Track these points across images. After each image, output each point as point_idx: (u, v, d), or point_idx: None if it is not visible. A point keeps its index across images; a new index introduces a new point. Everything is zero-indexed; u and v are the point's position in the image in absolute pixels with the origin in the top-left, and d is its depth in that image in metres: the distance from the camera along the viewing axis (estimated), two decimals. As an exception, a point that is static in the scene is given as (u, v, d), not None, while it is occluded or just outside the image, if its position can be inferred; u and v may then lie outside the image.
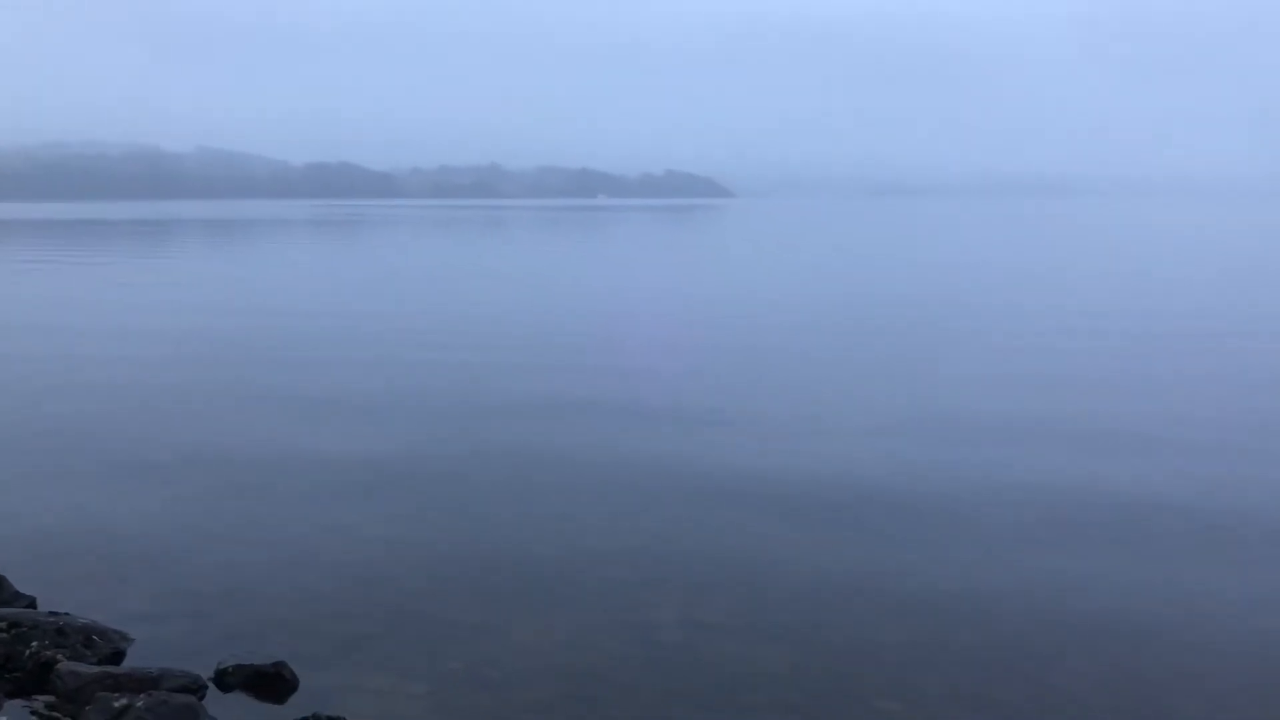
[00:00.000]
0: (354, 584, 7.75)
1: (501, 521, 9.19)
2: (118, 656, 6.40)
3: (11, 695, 5.85)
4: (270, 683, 6.13)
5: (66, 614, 6.67)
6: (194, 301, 27.86)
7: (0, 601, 6.92)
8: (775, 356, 18.18)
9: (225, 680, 6.15)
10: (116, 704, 5.48)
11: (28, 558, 8.03)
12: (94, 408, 13.91)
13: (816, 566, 8.09)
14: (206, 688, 6.05)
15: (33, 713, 5.70)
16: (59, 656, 6.12)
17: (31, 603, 6.99)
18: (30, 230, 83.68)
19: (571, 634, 6.93)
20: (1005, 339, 20.33)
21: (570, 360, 17.85)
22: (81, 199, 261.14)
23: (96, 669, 6.01)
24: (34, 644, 6.19)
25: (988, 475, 10.55)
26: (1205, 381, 15.59)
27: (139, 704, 5.45)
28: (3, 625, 6.35)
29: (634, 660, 6.56)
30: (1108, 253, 51.14)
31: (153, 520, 9.16)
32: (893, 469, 10.76)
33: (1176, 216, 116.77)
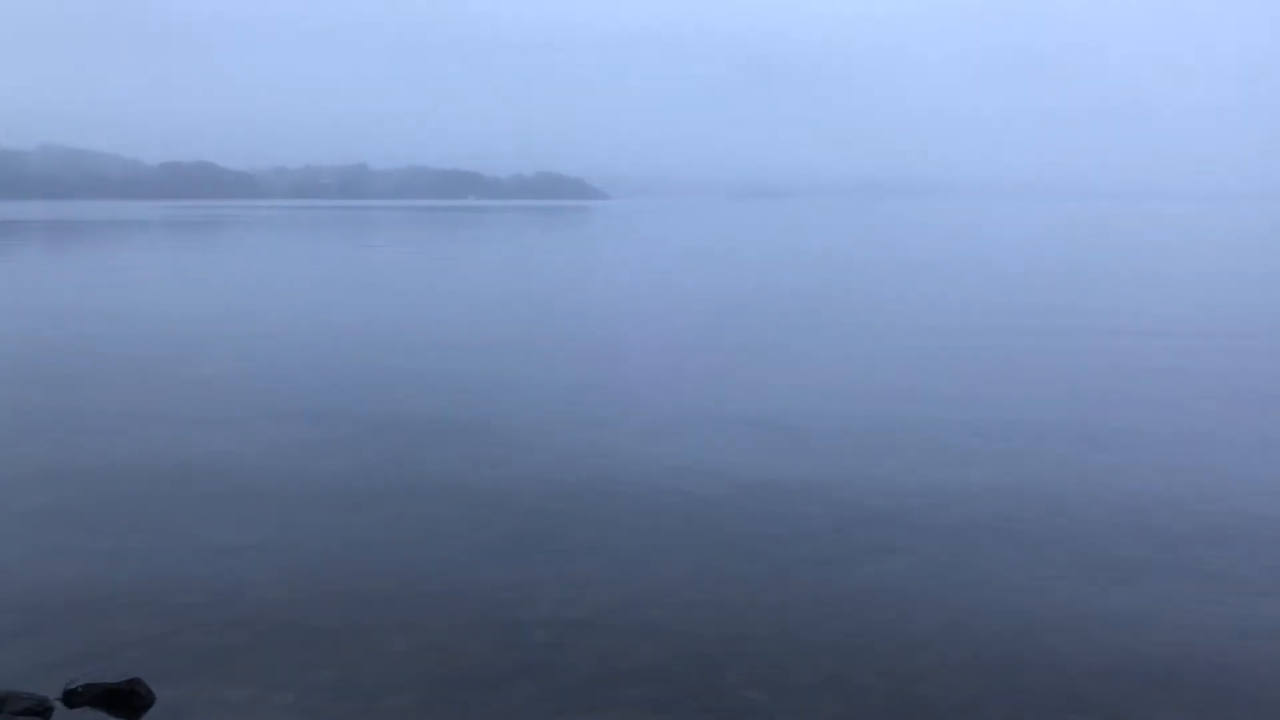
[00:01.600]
0: (215, 595, 7.50)
1: (369, 527, 9.03)
2: (-45, 681, 6.05)
3: None
4: (124, 700, 5.89)
5: (-103, 638, 6.27)
6: None
7: None
8: (613, 360, 18.34)
9: (74, 700, 5.87)
10: (-46, 730, 5.18)
11: None
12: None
13: (685, 562, 8.19)
14: (53, 709, 5.78)
15: None
16: (-111, 683, 5.75)
17: None
18: None
19: (442, 638, 6.85)
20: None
21: (423, 365, 17.64)
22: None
23: (-69, 694, 5.66)
24: None
25: (854, 470, 10.86)
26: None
27: (-21, 729, 5.17)
28: None
29: (505, 661, 6.53)
30: (944, 252, 53.11)
31: (-6, 536, 8.68)
32: (758, 465, 10.96)
33: (1023, 216, 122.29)
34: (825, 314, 24.73)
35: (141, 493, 10.01)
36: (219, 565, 8.09)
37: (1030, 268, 40.83)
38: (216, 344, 19.71)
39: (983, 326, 22.06)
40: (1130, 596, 7.51)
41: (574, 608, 7.32)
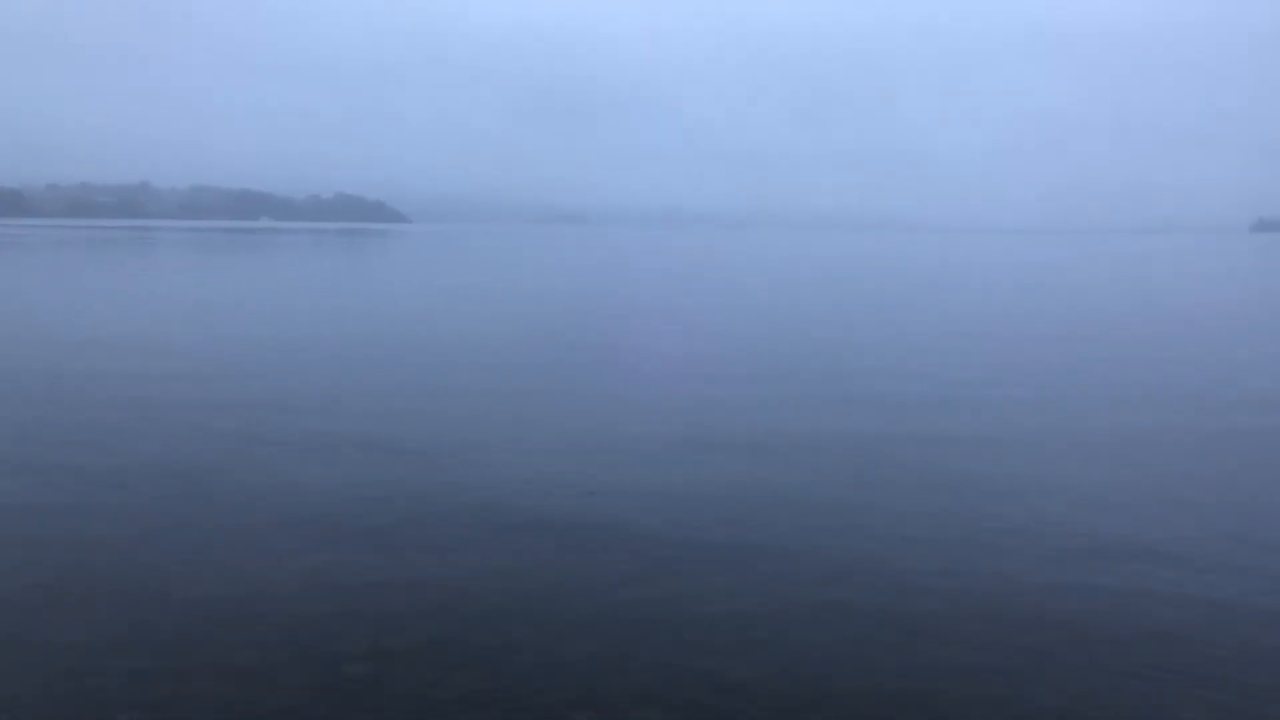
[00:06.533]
0: (5, 639, 6.99)
1: (171, 562, 8.60)
2: None
3: None
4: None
5: None
6: None
7: None
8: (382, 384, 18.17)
9: None
10: None
11: None
12: None
13: (505, 589, 8.19)
14: None
15: None
16: None
17: None
18: None
19: (253, 674, 6.62)
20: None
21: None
22: None
23: None
24: None
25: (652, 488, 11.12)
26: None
27: None
28: None
29: (321, 696, 6.37)
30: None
31: None
32: (571, 491, 11.08)
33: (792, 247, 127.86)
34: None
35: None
36: (12, 602, 7.53)
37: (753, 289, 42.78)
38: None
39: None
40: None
41: (391, 639, 7.20)
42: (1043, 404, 16.49)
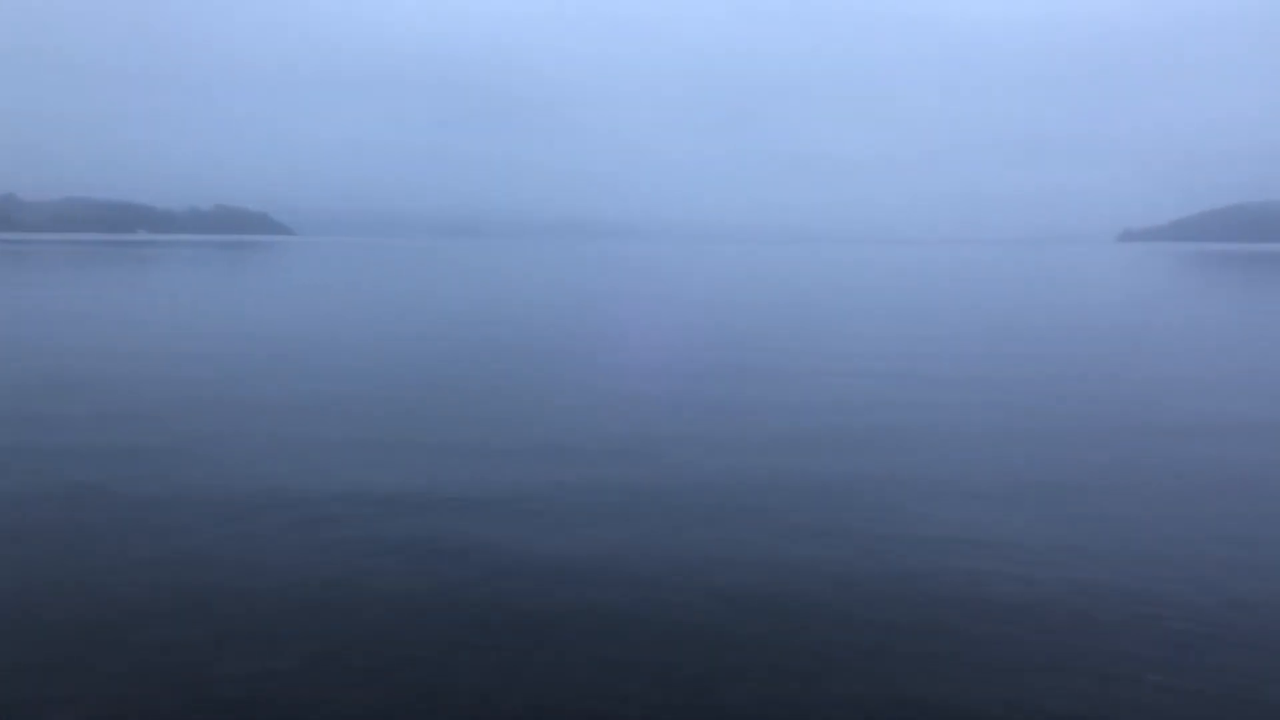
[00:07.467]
0: None
1: (30, 581, 8.09)
2: None
3: None
4: None
5: None
6: None
7: None
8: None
9: None
10: None
11: None
12: None
13: (392, 602, 7.93)
14: None
15: None
16: None
17: None
18: None
19: (117, 705, 6.21)
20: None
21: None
22: None
23: None
24: None
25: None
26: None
27: None
28: None
29: (195, 721, 6.02)
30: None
31: None
32: (458, 496, 10.86)
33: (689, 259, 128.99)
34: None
35: None
36: None
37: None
38: None
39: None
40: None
41: (266, 660, 6.87)
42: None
